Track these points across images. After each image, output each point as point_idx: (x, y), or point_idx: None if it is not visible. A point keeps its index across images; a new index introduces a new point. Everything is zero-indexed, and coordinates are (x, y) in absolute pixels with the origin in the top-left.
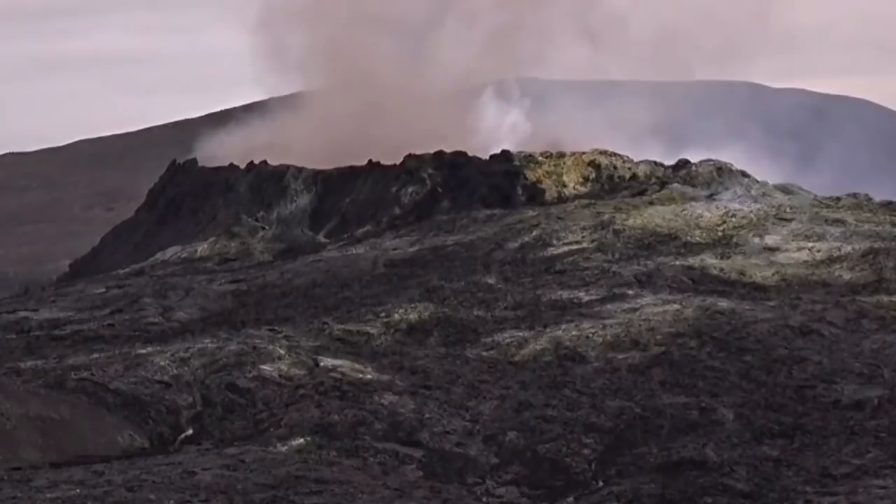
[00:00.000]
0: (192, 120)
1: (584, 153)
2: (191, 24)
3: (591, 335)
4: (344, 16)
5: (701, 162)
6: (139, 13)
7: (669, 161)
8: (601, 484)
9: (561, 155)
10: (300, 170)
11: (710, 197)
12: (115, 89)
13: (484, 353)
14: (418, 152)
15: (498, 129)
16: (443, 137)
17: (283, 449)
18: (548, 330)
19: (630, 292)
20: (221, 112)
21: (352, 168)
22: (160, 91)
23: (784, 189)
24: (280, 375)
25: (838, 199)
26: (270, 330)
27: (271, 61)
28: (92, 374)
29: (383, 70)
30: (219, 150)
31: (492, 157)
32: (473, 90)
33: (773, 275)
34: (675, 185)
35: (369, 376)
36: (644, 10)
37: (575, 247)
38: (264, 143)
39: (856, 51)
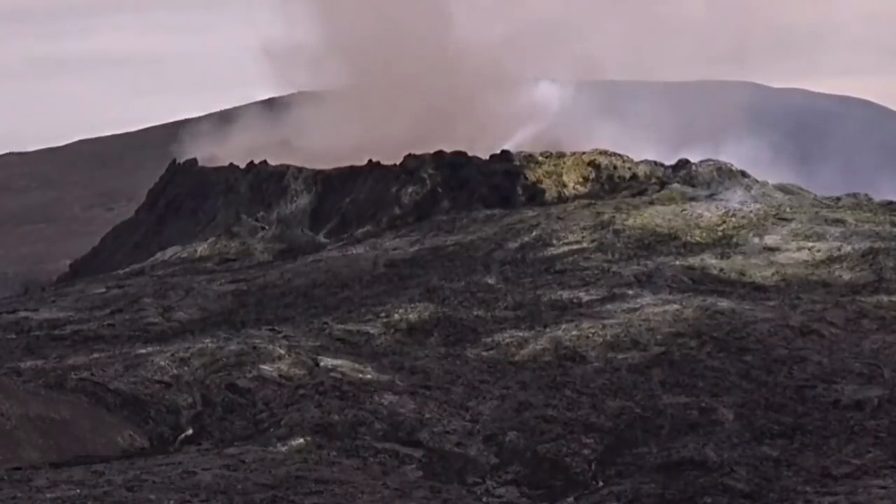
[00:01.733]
0: (192, 120)
1: (584, 153)
2: (191, 24)
3: (591, 335)
4: (345, 15)
5: (701, 162)
6: (139, 13)
7: (669, 161)
8: (601, 484)
9: (561, 155)
10: (300, 170)
11: (710, 197)
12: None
13: (484, 353)
14: (418, 152)
15: (499, 129)
16: (445, 137)
17: (283, 449)
18: (548, 330)
19: (630, 292)
20: (221, 112)
21: (352, 168)
22: (160, 91)
23: (784, 189)
24: (280, 375)
25: (838, 199)
26: (270, 330)
27: (272, 62)
28: (92, 374)
29: (386, 69)
30: (219, 150)
31: (492, 157)
32: (474, 90)
33: (773, 275)
34: (675, 185)
35: (369, 376)
36: (644, 11)
37: (575, 247)
38: (264, 143)
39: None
